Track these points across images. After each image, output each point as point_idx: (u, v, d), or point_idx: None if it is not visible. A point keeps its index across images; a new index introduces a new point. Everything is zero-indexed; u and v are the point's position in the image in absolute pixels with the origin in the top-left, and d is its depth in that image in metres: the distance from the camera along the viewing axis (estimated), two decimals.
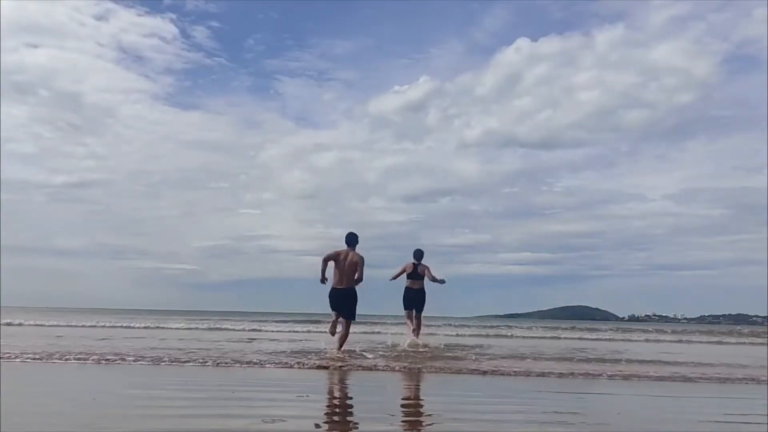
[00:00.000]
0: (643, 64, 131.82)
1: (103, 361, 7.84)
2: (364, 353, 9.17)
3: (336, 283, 9.02)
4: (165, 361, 7.95)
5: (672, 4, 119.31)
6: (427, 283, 10.60)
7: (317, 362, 8.03)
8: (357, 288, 9.03)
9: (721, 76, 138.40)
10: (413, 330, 10.60)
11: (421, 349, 10.04)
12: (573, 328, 26.96)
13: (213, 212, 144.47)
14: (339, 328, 9.31)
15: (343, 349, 9.15)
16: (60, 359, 7.92)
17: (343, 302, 9.07)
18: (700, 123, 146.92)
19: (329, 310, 9.30)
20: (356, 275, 8.92)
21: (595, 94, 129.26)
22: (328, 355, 8.84)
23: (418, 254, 10.37)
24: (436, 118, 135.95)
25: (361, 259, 8.96)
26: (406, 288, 10.46)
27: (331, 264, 9.00)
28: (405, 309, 10.56)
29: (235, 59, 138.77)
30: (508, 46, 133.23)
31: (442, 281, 10.46)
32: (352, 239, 9.13)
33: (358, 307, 9.14)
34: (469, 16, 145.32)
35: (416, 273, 10.45)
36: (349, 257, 8.98)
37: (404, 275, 10.59)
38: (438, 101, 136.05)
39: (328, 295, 9.09)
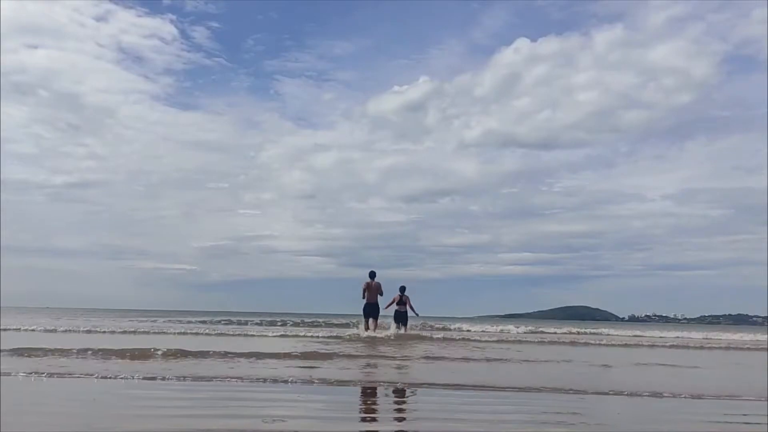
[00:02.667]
0: (642, 65, 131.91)
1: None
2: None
3: (368, 300, 15.47)
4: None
5: (671, 5, 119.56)
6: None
7: (324, 359, 8.06)
8: (379, 299, 15.76)
9: (721, 76, 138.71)
10: (399, 330, 16.34)
11: (420, 352, 10.52)
12: (579, 332, 26.08)
13: (213, 212, 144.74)
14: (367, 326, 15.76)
15: (374, 332, 15.20)
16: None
17: (373, 310, 15.58)
18: (699, 123, 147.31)
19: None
20: (380, 293, 15.62)
21: (595, 94, 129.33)
22: (366, 334, 14.93)
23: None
24: (436, 118, 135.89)
25: (380, 284, 15.59)
26: (395, 311, 16.19)
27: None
28: (394, 322, 16.12)
29: (235, 60, 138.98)
30: (507, 47, 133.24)
31: (416, 313, 16.28)
32: (373, 274, 15.61)
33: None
34: (469, 17, 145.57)
35: (402, 301, 16.20)
36: (374, 285, 15.50)
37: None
38: (437, 101, 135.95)
39: (363, 307, 15.47)
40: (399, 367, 8.15)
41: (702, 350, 16.06)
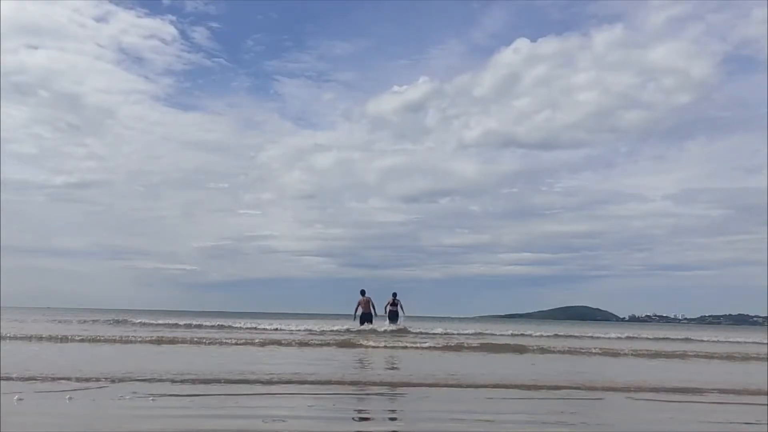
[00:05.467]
0: (641, 65, 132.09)
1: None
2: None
3: (364, 311, 20.09)
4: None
5: (671, 5, 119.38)
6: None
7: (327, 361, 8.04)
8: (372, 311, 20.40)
9: (720, 76, 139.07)
10: (390, 325, 20.32)
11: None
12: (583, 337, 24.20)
13: (213, 212, 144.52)
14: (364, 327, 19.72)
15: (369, 328, 19.27)
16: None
17: (367, 318, 20.07)
18: (699, 123, 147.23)
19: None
20: (372, 305, 20.28)
21: (594, 94, 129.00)
22: (361, 327, 19.05)
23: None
24: (435, 118, 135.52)
25: (370, 298, 20.40)
26: (389, 311, 20.75)
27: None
28: (388, 319, 20.55)
29: (235, 60, 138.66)
30: (507, 47, 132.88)
31: (403, 312, 20.75)
32: (363, 292, 20.51)
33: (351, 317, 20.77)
34: (469, 17, 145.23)
35: (394, 303, 20.95)
36: (365, 300, 20.27)
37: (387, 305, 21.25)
38: (437, 102, 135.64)
39: (360, 316, 19.98)
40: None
41: None
